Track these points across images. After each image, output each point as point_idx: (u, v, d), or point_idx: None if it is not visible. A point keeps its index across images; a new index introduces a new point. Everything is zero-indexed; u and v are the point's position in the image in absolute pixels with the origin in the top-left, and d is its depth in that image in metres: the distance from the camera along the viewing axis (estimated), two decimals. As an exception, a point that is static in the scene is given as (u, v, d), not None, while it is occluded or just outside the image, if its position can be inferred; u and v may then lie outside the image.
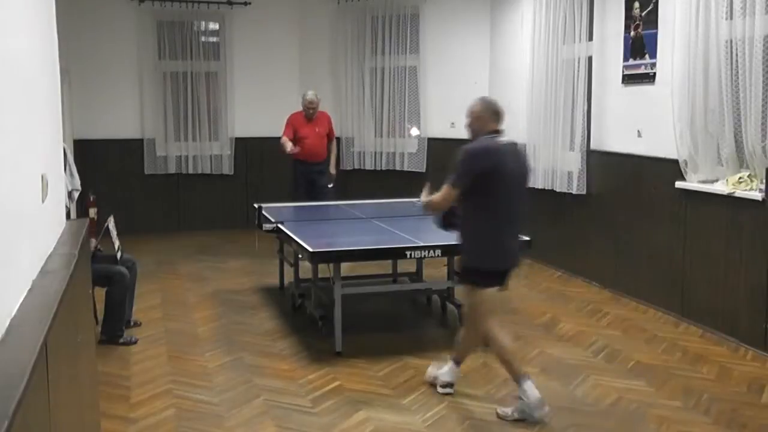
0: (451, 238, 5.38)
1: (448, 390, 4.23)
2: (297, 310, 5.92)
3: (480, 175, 3.79)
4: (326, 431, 3.86)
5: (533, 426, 3.88)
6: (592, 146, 6.80)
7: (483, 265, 3.96)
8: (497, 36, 8.41)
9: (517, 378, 3.93)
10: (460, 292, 5.95)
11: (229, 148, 9.38)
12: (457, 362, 4.26)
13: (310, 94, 7.72)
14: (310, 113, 7.69)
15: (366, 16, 9.12)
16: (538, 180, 7.37)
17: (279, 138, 9.27)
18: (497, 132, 3.92)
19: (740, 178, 5.10)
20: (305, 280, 5.94)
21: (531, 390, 3.86)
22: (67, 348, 2.38)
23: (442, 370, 4.30)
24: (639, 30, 6.09)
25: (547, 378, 4.56)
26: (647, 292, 6.08)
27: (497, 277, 4.01)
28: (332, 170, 7.98)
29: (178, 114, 9.22)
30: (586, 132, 6.82)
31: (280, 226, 5.58)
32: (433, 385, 4.33)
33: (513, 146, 4.01)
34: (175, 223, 9.30)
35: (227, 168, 9.40)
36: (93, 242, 5.21)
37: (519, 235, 4.12)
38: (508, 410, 3.94)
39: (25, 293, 2.08)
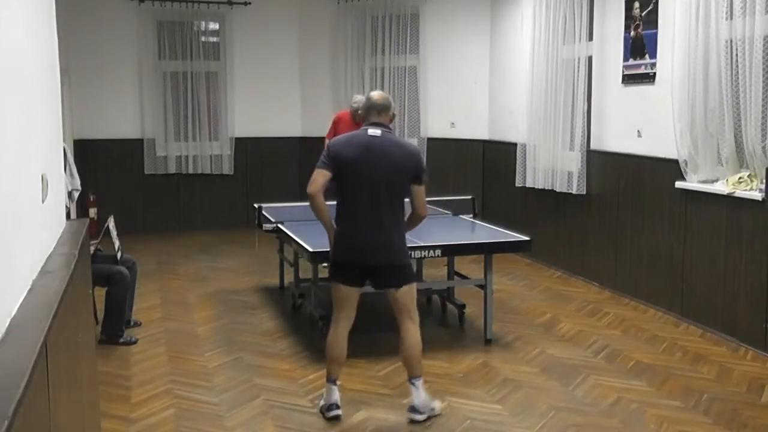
0: (451, 238, 5.41)
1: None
2: (297, 310, 5.92)
3: (335, 165, 3.85)
4: (326, 431, 3.86)
5: (532, 426, 3.89)
6: (592, 146, 6.80)
7: (332, 255, 4.00)
8: (497, 36, 8.41)
9: (328, 377, 4.01)
10: (459, 292, 5.98)
11: (229, 148, 9.38)
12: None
13: (359, 100, 6.99)
14: (358, 119, 6.99)
15: (366, 16, 9.11)
16: (538, 180, 7.39)
17: (280, 138, 9.28)
18: (375, 124, 3.92)
19: (740, 178, 5.10)
20: (305, 280, 5.93)
21: (332, 393, 3.97)
22: (67, 348, 2.37)
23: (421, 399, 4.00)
24: (639, 30, 6.09)
25: (547, 378, 4.56)
26: (647, 292, 6.08)
27: (348, 271, 3.93)
28: None
29: (178, 114, 9.22)
30: (586, 132, 6.82)
31: (280, 226, 5.58)
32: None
33: (385, 140, 3.88)
34: (175, 223, 9.30)
35: (227, 168, 9.40)
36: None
37: (381, 230, 3.85)
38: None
39: (25, 293, 2.07)
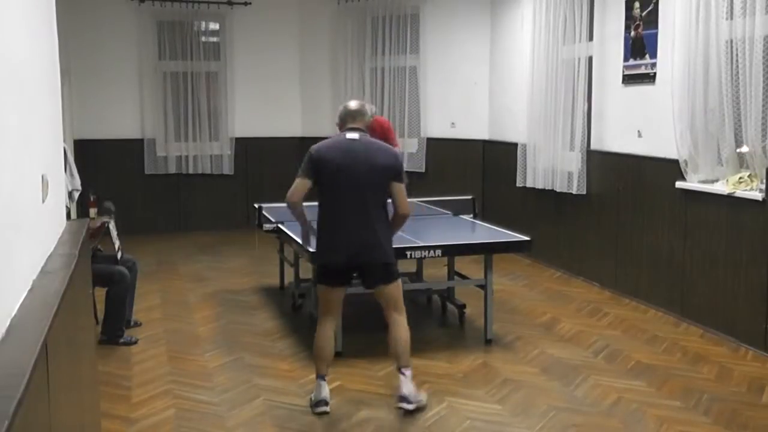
0: (451, 238, 5.41)
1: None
2: (297, 310, 5.92)
3: (317, 170, 4.03)
4: (326, 431, 3.86)
5: (532, 426, 3.89)
6: (592, 146, 6.80)
7: (316, 259, 4.16)
8: (497, 36, 8.41)
9: (317, 374, 4.10)
10: (460, 291, 5.98)
11: (229, 148, 9.39)
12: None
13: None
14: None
15: (366, 16, 9.11)
16: (538, 180, 7.39)
17: (280, 138, 9.25)
18: (352, 129, 4.12)
19: (740, 178, 5.10)
20: (305, 280, 5.93)
21: (321, 389, 4.04)
22: (68, 348, 2.38)
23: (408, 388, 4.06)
24: (639, 30, 6.09)
25: (547, 378, 4.56)
26: (647, 292, 6.08)
27: (334, 274, 4.07)
28: None
29: (179, 114, 9.22)
30: (586, 132, 6.82)
31: (280, 226, 5.59)
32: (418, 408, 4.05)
33: (363, 142, 4.08)
34: (176, 223, 9.30)
35: (227, 168, 9.40)
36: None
37: (368, 230, 3.99)
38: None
39: (25, 293, 2.08)
